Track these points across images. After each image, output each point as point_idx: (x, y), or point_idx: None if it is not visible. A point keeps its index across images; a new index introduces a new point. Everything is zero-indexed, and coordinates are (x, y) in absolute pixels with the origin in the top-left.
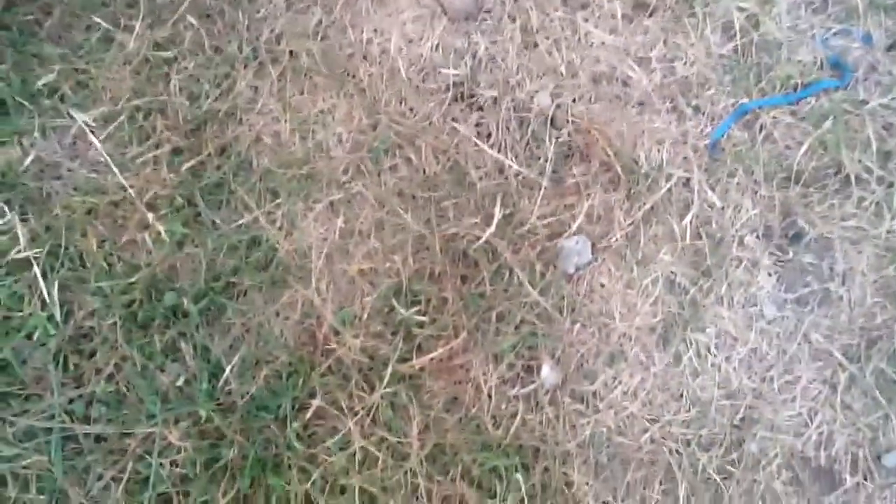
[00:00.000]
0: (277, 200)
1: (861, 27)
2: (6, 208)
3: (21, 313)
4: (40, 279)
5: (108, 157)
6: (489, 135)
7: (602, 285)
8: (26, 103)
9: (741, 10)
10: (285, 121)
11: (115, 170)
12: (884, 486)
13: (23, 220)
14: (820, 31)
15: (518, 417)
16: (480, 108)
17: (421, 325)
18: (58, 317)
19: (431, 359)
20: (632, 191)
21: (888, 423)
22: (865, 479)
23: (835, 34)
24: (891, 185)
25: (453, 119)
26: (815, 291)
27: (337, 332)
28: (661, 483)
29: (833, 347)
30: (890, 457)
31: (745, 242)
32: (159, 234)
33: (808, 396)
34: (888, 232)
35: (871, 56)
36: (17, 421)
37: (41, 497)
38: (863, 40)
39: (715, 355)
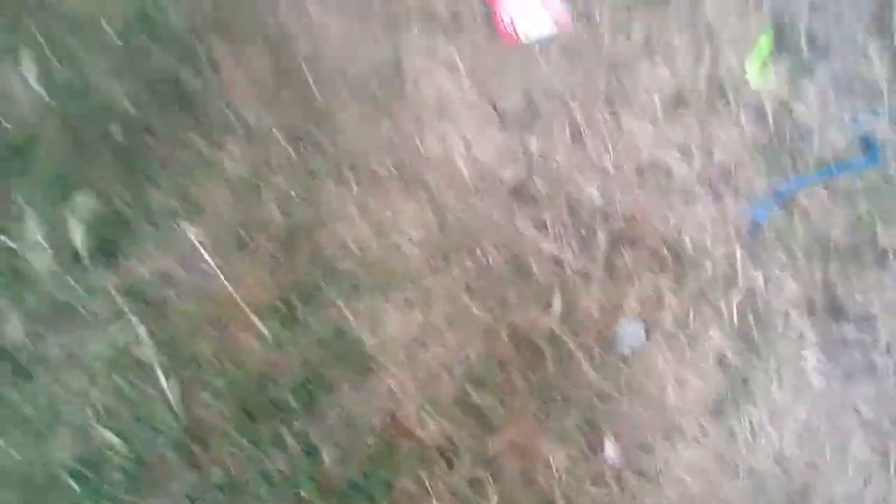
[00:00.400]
0: (360, 297)
1: (887, 107)
2: (134, 320)
3: (147, 409)
4: (161, 377)
5: (215, 267)
6: (545, 228)
7: (657, 364)
8: (143, 220)
9: (772, 97)
10: (365, 226)
11: (223, 279)
12: None
13: (144, 324)
14: (848, 113)
15: (586, 494)
16: (537, 205)
17: (493, 408)
18: (177, 410)
19: (504, 440)
20: (679, 274)
21: None
22: None
23: (863, 115)
24: None
25: (513, 216)
26: (860, 363)
27: (418, 417)
28: None
29: (882, 417)
30: None
31: (789, 318)
32: (261, 333)
33: (860, 467)
34: None
35: None
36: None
37: None
38: (891, 119)
39: (767, 428)
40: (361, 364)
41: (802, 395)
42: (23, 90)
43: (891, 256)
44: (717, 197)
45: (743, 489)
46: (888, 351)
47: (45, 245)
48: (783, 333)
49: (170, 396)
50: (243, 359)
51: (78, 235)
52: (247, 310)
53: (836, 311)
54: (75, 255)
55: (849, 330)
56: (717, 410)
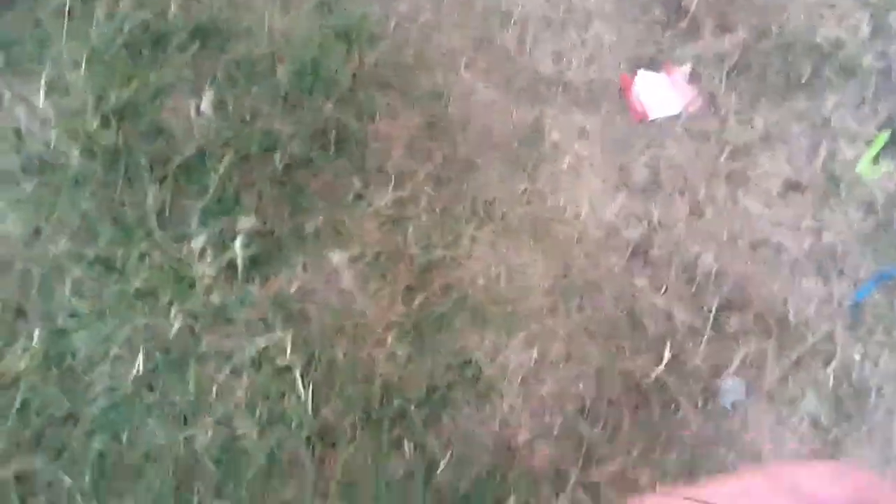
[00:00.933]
0: (486, 330)
1: None
2: (278, 327)
3: (283, 408)
4: (298, 381)
5: (354, 289)
6: (660, 287)
7: (755, 420)
8: (295, 243)
9: (882, 190)
10: (495, 268)
11: (359, 299)
12: None
13: (286, 332)
14: None
15: None
16: (654, 265)
17: (600, 442)
18: (309, 411)
19: (607, 472)
20: (782, 341)
21: None
22: None
23: None
24: None
25: (631, 273)
26: None
27: (529, 444)
28: None
29: None
30: None
31: (882, 392)
32: (392, 352)
33: None
34: None
35: None
36: (275, 491)
37: None
38: None
39: None
40: (481, 389)
41: (889, 462)
42: (200, 121)
43: None
44: (823, 275)
45: None
46: None
47: (209, 256)
48: (875, 404)
49: (304, 399)
50: (373, 372)
51: (237, 250)
52: (379, 329)
53: None
54: (233, 268)
55: None
56: None
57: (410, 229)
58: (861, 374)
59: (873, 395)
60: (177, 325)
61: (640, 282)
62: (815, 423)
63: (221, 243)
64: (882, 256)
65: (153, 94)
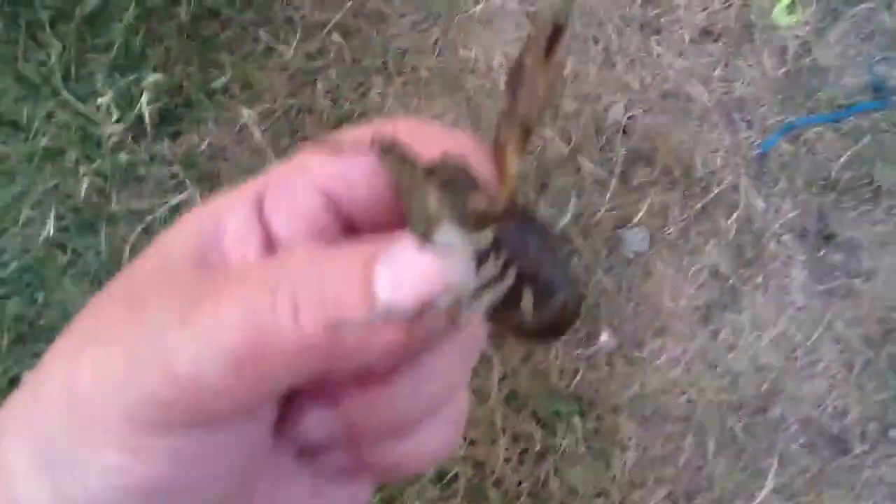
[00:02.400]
0: None
1: None
2: (188, 182)
3: None
4: None
5: (265, 146)
6: (569, 140)
7: (656, 270)
8: (205, 98)
9: (796, 37)
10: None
11: (272, 154)
12: (889, 455)
13: (198, 189)
14: (865, 58)
15: (579, 373)
16: (564, 117)
17: None
18: None
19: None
20: (687, 192)
21: None
22: (872, 448)
23: (879, 61)
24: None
25: (540, 125)
26: (841, 285)
27: None
28: (693, 436)
29: (853, 334)
30: (895, 431)
31: (782, 240)
32: None
33: (827, 375)
34: None
35: None
36: None
37: None
38: None
39: (748, 334)
40: None
41: (784, 309)
42: None
43: (883, 193)
44: (732, 126)
45: (719, 384)
46: (868, 278)
47: (115, 113)
48: (774, 253)
49: None
50: None
51: (144, 107)
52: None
53: (826, 237)
54: (141, 125)
55: (835, 255)
56: (706, 315)
57: (320, 83)
58: (763, 223)
59: (773, 243)
60: (86, 185)
61: (549, 133)
62: (714, 273)
63: (129, 100)
64: (790, 106)
65: None
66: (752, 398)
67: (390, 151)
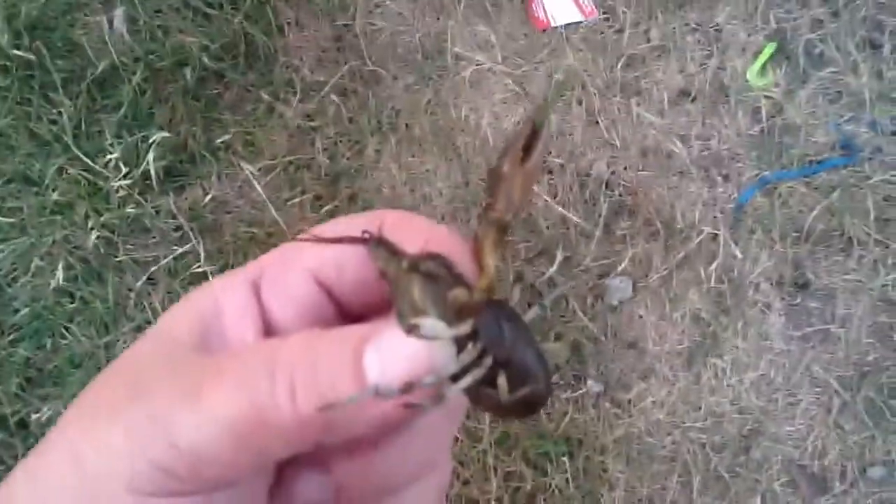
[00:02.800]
0: None
1: (869, 115)
2: (192, 234)
3: None
4: None
5: (266, 199)
6: (555, 194)
7: (640, 316)
8: (208, 155)
9: (768, 98)
10: (399, 177)
11: (272, 208)
12: (867, 494)
13: (201, 240)
14: (834, 118)
15: (567, 415)
16: (550, 172)
17: None
18: None
19: None
20: (668, 242)
21: (874, 442)
22: (852, 487)
23: (846, 120)
24: (886, 246)
25: None
26: (818, 331)
27: None
28: (679, 476)
29: (830, 377)
30: (874, 470)
31: (760, 288)
32: None
33: (806, 416)
34: (882, 285)
35: (877, 140)
36: None
37: None
38: (870, 126)
39: (730, 377)
40: None
41: (763, 353)
42: (112, 38)
43: (855, 244)
44: (709, 180)
45: (703, 425)
46: (843, 324)
47: (123, 169)
48: (752, 300)
49: None
50: None
51: (151, 163)
52: (289, 237)
53: (801, 285)
54: (147, 180)
55: (811, 302)
56: (689, 359)
57: (318, 141)
58: (741, 272)
59: (751, 290)
60: (94, 236)
61: (537, 188)
62: (695, 318)
63: (136, 157)
64: (765, 161)
65: (64, 9)
66: (735, 439)
67: (379, 245)
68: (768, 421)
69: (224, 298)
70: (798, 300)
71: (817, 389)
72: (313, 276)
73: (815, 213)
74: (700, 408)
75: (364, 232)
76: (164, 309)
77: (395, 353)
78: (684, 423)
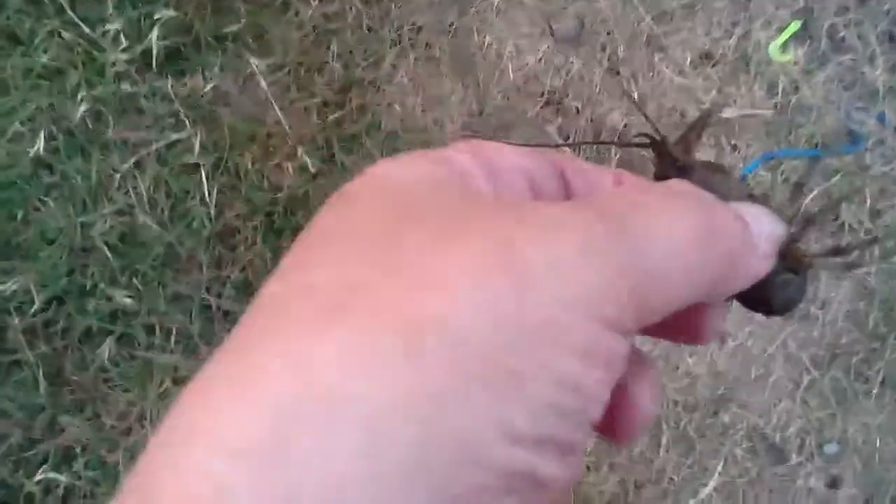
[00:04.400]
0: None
1: (879, 108)
2: (188, 122)
3: (185, 205)
4: (204, 181)
5: (271, 98)
6: (567, 136)
7: None
8: (214, 43)
9: (786, 75)
10: (414, 97)
11: (276, 107)
12: (821, 468)
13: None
14: (845, 105)
15: None
16: (565, 115)
17: None
18: (212, 213)
19: None
20: None
21: (834, 420)
22: (807, 461)
23: (857, 109)
24: (875, 237)
25: (543, 119)
26: (798, 309)
27: None
28: (649, 430)
29: (803, 355)
30: (830, 446)
31: None
32: (301, 164)
33: (775, 388)
34: (866, 274)
35: (882, 132)
36: (170, 285)
37: (178, 346)
38: (878, 118)
39: (710, 344)
40: None
41: (745, 324)
42: None
43: (846, 230)
44: (717, 147)
45: (678, 385)
46: (823, 306)
47: (124, 43)
48: None
49: (208, 199)
50: (280, 182)
51: (153, 41)
52: (291, 140)
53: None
54: (147, 59)
55: None
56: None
57: (333, 45)
58: None
59: None
60: (83, 108)
61: (550, 129)
62: None
63: (138, 32)
64: (773, 137)
65: None
66: (707, 402)
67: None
68: (739, 388)
69: (455, 160)
70: None
71: (789, 365)
72: (523, 174)
73: (813, 193)
74: (678, 368)
75: (646, 136)
76: (149, 195)
77: (766, 227)
78: (662, 379)
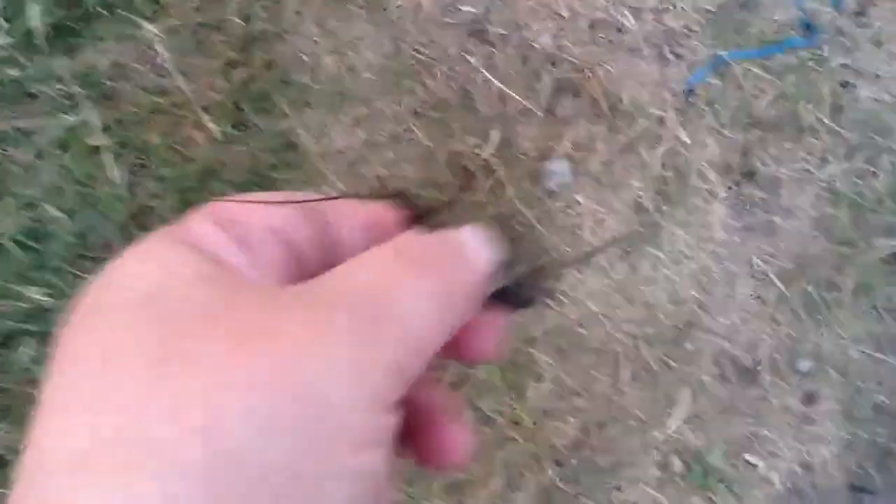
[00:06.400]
0: (311, 111)
1: None
2: (86, 102)
3: (94, 191)
4: (112, 163)
5: (171, 65)
6: (496, 67)
7: (578, 202)
8: (105, 12)
9: None
10: (323, 44)
11: (179, 75)
12: (795, 386)
13: (96, 110)
14: None
15: None
16: (491, 45)
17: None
18: (123, 195)
19: None
20: (613, 125)
21: (806, 335)
22: (781, 380)
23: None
24: (838, 135)
25: (467, 52)
26: (760, 221)
27: None
28: (609, 367)
29: (770, 270)
30: (802, 363)
31: (705, 175)
32: (211, 132)
33: (742, 309)
34: (830, 176)
35: (839, 21)
36: (89, 277)
37: None
38: (833, 3)
39: (668, 268)
40: (305, 171)
41: (704, 243)
42: None
43: (807, 131)
44: (661, 59)
45: (636, 316)
46: (787, 216)
47: (4, 25)
48: (697, 188)
49: (117, 181)
50: (191, 154)
51: (35, 18)
52: (197, 108)
53: (748, 174)
54: (30, 39)
55: (757, 191)
56: (626, 249)
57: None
58: (687, 158)
59: (696, 178)
60: None
61: (476, 61)
62: (637, 206)
63: (20, 11)
64: (720, 40)
65: None
66: (668, 331)
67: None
68: (703, 313)
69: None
70: (743, 188)
71: (756, 282)
72: (274, 234)
73: (768, 97)
74: (634, 299)
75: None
76: (53, 184)
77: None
78: (617, 314)
